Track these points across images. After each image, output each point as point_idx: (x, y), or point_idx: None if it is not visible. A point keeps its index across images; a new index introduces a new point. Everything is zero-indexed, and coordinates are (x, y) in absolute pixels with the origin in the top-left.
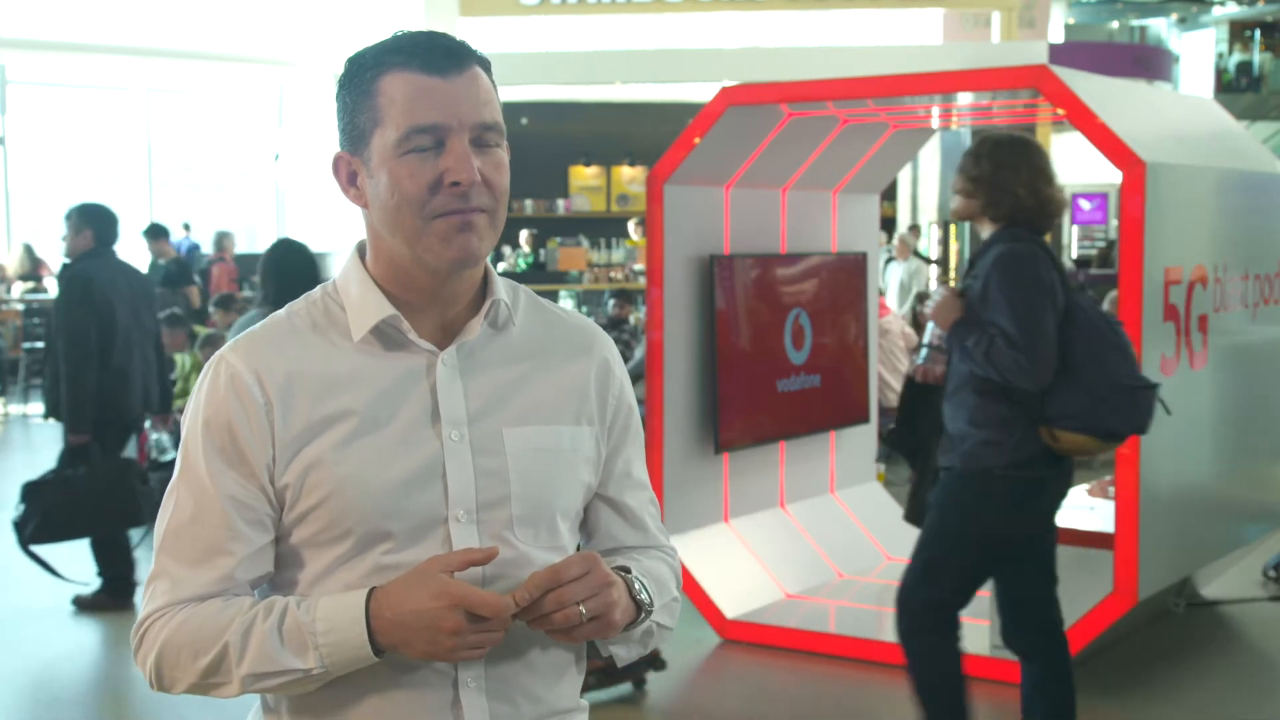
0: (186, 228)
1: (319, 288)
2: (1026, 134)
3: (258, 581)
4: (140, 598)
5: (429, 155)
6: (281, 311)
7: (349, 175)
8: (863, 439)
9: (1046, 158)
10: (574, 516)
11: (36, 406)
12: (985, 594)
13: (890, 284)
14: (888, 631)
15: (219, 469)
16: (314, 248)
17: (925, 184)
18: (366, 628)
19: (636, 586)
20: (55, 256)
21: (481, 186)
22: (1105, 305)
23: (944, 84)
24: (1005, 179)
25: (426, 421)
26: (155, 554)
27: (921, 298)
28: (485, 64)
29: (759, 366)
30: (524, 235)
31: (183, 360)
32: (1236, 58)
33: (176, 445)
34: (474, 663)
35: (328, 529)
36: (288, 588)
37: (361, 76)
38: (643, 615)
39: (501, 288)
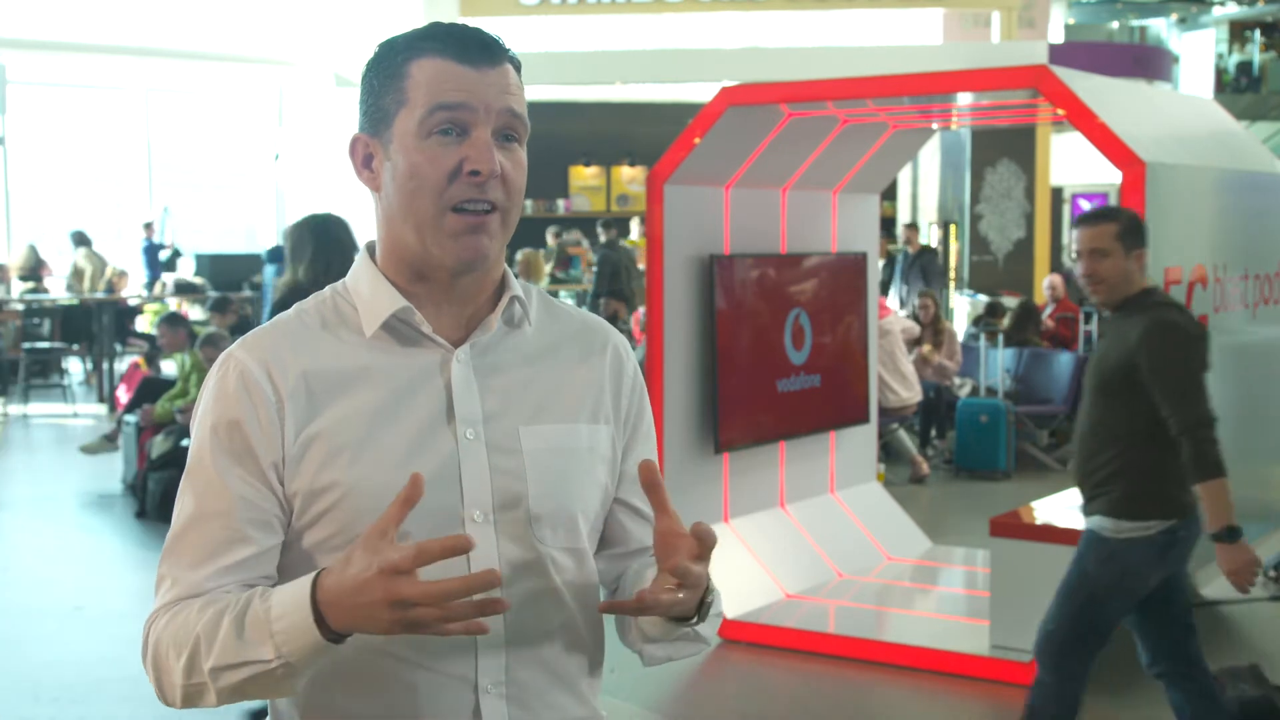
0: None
1: (328, 288)
2: None
3: (257, 585)
4: None
5: (451, 142)
6: (290, 311)
7: (364, 158)
8: (863, 439)
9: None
10: (593, 517)
11: (36, 407)
12: (985, 594)
13: None
14: (887, 631)
15: (226, 467)
16: None
17: (925, 184)
18: (313, 610)
19: (711, 592)
20: (55, 257)
21: (498, 181)
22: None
23: (944, 84)
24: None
25: (441, 420)
26: (161, 557)
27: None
28: (516, 64)
29: (759, 366)
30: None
31: (182, 360)
32: (1236, 58)
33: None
34: (494, 668)
35: (342, 532)
36: None
37: (392, 60)
38: (694, 619)
39: (518, 286)
